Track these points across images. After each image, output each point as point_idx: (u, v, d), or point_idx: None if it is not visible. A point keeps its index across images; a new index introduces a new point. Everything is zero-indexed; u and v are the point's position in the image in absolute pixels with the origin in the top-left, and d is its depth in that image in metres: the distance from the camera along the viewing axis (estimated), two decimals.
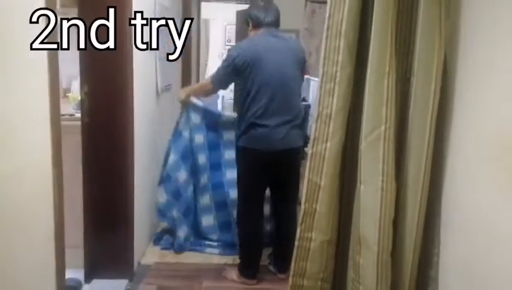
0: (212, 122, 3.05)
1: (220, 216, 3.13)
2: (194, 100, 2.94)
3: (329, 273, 2.00)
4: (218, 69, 2.66)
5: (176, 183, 2.98)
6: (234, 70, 2.56)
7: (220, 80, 2.66)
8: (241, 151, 2.65)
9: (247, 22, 2.73)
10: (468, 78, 1.63)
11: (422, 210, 1.79)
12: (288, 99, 2.56)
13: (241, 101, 2.60)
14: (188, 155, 3.01)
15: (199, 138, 3.04)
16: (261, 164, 2.58)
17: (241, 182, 2.70)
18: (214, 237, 3.13)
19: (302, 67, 2.66)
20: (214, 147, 3.09)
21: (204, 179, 3.09)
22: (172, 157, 2.96)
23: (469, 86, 1.63)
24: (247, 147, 2.58)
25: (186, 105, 2.95)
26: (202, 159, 3.07)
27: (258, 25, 2.64)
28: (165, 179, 2.98)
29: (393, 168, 1.77)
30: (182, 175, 2.99)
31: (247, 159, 2.62)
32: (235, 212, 2.85)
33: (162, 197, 2.98)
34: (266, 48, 2.56)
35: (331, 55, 1.80)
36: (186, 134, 2.98)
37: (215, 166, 3.11)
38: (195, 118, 2.99)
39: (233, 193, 2.96)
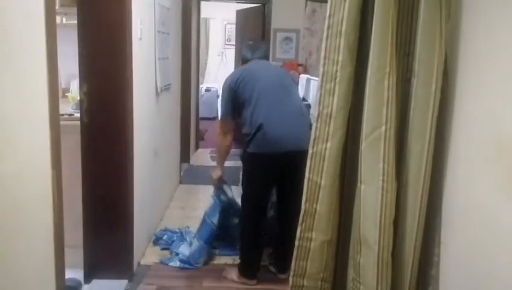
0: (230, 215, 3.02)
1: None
2: (226, 189, 2.96)
3: (329, 273, 2.00)
4: (222, 106, 2.76)
5: (197, 264, 2.88)
6: (233, 94, 2.63)
7: (227, 112, 2.69)
8: (249, 157, 2.62)
9: (240, 58, 2.94)
10: (469, 78, 1.63)
11: (422, 210, 1.79)
12: (290, 101, 2.58)
13: (245, 112, 2.60)
14: (213, 238, 2.95)
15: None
16: (269, 167, 2.58)
17: (246, 183, 2.69)
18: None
19: (294, 85, 2.85)
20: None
21: None
22: (195, 244, 2.90)
23: (469, 86, 1.62)
24: (257, 152, 2.55)
25: (219, 186, 2.92)
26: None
27: (246, 61, 2.83)
28: (184, 265, 2.87)
29: (394, 168, 1.77)
30: (205, 257, 2.92)
31: (255, 163, 2.60)
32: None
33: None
34: (256, 68, 2.72)
35: (332, 55, 1.80)
36: (214, 220, 2.90)
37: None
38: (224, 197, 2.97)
39: None
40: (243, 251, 2.73)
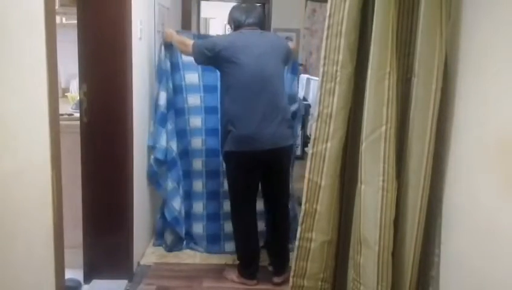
0: None
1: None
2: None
3: (329, 273, 2.00)
4: (202, 45, 2.55)
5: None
6: (214, 56, 2.49)
7: (200, 57, 2.56)
8: (229, 156, 2.57)
9: (229, 24, 2.69)
10: (469, 78, 1.63)
11: (423, 210, 1.79)
12: (272, 98, 2.49)
13: (223, 102, 2.57)
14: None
15: (193, 78, 2.96)
16: (249, 166, 2.53)
17: (231, 184, 2.65)
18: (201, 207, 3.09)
19: (284, 60, 2.60)
20: (210, 88, 2.98)
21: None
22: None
23: (470, 86, 1.62)
24: (234, 150, 2.51)
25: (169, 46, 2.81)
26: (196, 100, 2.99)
27: (238, 27, 2.58)
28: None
29: (394, 168, 1.76)
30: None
31: (234, 162, 2.56)
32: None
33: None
34: (245, 44, 2.47)
35: (332, 55, 1.80)
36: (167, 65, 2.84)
37: (211, 109, 3.00)
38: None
39: None
40: (240, 251, 2.73)
